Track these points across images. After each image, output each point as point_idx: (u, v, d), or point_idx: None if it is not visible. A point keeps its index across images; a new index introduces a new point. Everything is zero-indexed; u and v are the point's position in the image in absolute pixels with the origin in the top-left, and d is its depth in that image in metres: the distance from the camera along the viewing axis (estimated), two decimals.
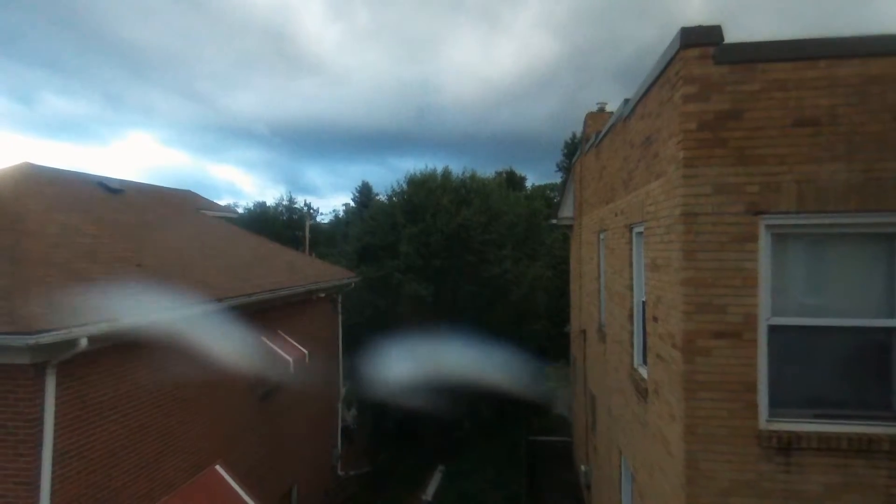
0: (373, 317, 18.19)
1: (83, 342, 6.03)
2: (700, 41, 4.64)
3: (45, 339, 5.56)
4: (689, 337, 4.66)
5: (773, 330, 4.68)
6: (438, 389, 17.34)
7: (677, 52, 4.75)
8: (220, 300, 8.77)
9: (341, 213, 50.25)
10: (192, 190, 16.35)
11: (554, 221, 17.48)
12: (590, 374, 11.65)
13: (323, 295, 13.92)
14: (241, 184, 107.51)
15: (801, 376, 4.75)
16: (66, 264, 7.23)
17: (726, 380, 4.66)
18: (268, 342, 10.80)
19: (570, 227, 15.66)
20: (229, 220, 16.97)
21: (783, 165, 4.57)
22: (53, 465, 6.05)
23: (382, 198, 25.92)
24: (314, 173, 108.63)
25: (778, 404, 4.69)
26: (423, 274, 18.11)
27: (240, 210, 41.30)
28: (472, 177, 21.19)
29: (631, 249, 7.00)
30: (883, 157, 4.44)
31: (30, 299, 6.04)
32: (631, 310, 6.97)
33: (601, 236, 9.70)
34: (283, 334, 11.54)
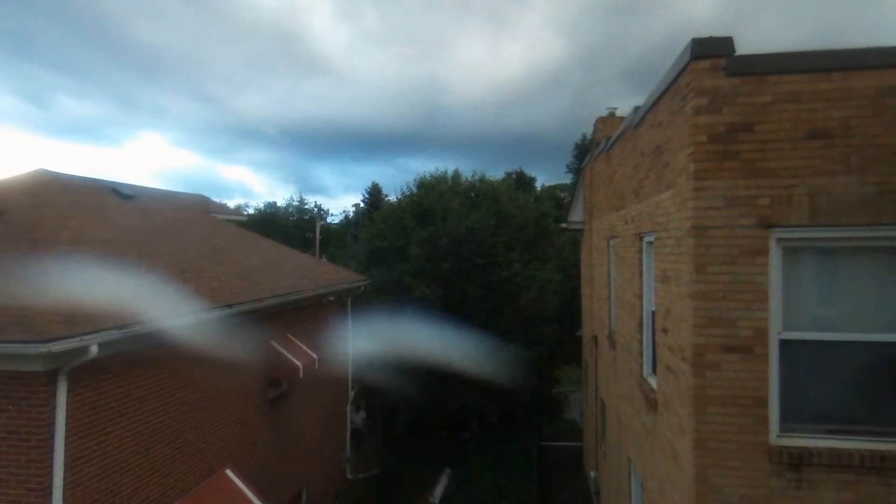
0: (383, 319, 18.23)
1: (94, 349, 6.10)
2: (711, 52, 4.59)
3: (57, 346, 5.64)
4: (698, 351, 4.62)
5: (784, 344, 4.61)
6: (447, 392, 17.35)
7: (688, 64, 4.70)
8: (230, 306, 8.83)
9: (351, 214, 50.51)
10: (203, 192, 16.57)
11: (564, 225, 17.42)
12: (601, 380, 11.59)
13: (332, 298, 13.97)
14: (252, 184, 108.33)
15: (813, 391, 4.68)
16: (79, 271, 7.31)
17: (737, 394, 4.61)
18: (278, 347, 10.87)
19: (580, 230, 15.58)
20: (239, 223, 17.11)
21: (795, 178, 4.51)
22: (66, 470, 6.13)
23: (392, 199, 26.00)
24: (324, 174, 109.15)
25: (789, 419, 4.63)
26: (432, 277, 18.13)
27: (250, 211, 41.66)
28: (482, 179, 21.18)
29: (641, 258, 6.95)
30: None
31: (42, 307, 6.12)
32: (640, 319, 6.92)
33: (611, 243, 9.64)
34: (293, 338, 11.60)
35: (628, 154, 7.69)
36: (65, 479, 6.12)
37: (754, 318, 4.58)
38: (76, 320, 6.15)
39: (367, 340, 16.80)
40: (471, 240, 18.36)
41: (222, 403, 9.29)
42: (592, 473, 12.33)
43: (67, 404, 6.14)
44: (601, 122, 13.19)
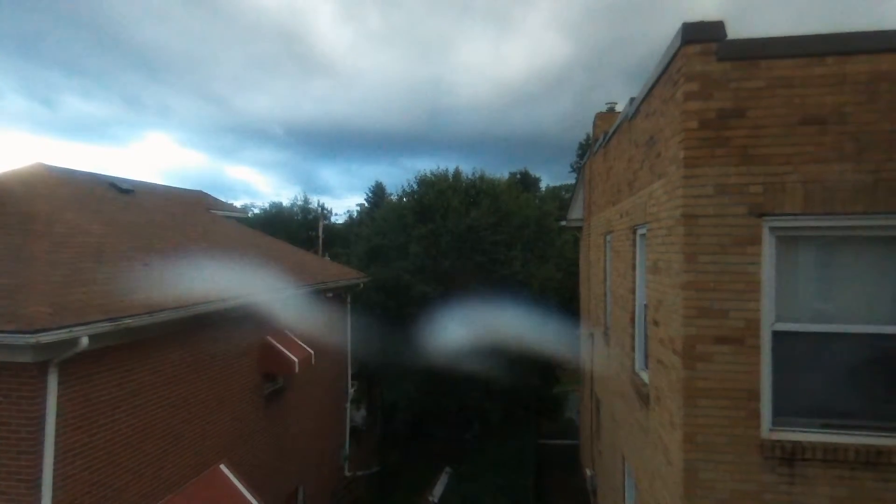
0: (382, 317, 18.20)
1: (84, 341, 6.07)
2: (702, 37, 4.50)
3: (46, 337, 5.61)
4: (689, 342, 4.53)
5: (777, 336, 4.51)
6: (448, 390, 17.28)
7: (679, 49, 4.62)
8: (225, 300, 8.80)
9: (355, 214, 50.48)
10: (208, 191, 16.55)
11: (563, 223, 17.32)
12: (596, 377, 11.48)
13: (331, 295, 13.93)
14: (257, 184, 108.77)
15: (807, 384, 4.58)
16: (71, 263, 7.30)
17: (728, 387, 4.51)
18: (274, 342, 10.83)
19: (579, 228, 15.48)
20: (241, 220, 17.11)
21: (788, 165, 4.41)
22: (56, 463, 6.10)
23: (394, 198, 25.96)
24: (328, 174, 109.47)
25: (782, 413, 4.52)
26: (432, 274, 18.07)
27: (256, 210, 41.71)
28: (482, 177, 21.10)
29: (634, 251, 6.86)
30: (893, 157, 4.26)
31: (32, 298, 6.10)
32: (633, 313, 6.82)
33: (607, 238, 9.54)
34: (290, 334, 11.56)
35: (624, 147, 7.60)
36: (55, 471, 6.09)
37: (746, 308, 4.48)
38: (67, 312, 6.12)
39: (366, 338, 16.76)
40: (471, 237, 18.29)
41: (216, 398, 9.26)
42: (589, 472, 12.23)
43: (58, 396, 6.11)
44: (600, 117, 13.09)
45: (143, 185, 12.99)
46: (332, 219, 49.59)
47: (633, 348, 6.80)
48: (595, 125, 13.25)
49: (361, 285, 16.03)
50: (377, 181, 49.23)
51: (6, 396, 5.99)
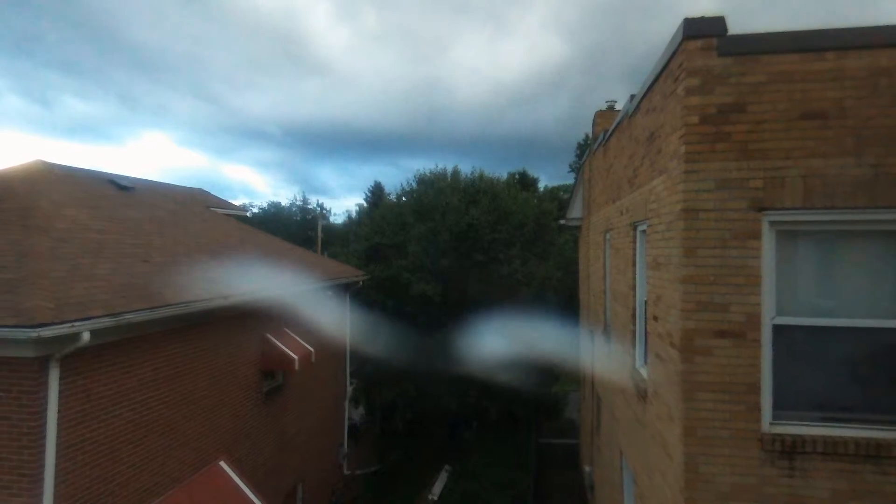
0: (381, 316, 18.21)
1: (86, 336, 6.08)
2: (703, 32, 4.52)
3: (47, 332, 5.62)
4: (687, 336, 4.55)
5: (777, 330, 4.54)
6: (447, 389, 17.29)
7: (680, 44, 4.64)
8: (225, 297, 8.81)
9: (354, 214, 50.48)
10: (207, 189, 16.53)
11: (563, 222, 17.34)
12: (596, 375, 11.51)
13: (331, 293, 13.94)
14: (255, 184, 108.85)
15: (807, 378, 4.60)
16: (72, 259, 7.30)
17: (728, 380, 4.53)
18: (274, 340, 10.84)
19: (579, 227, 15.51)
20: (241, 218, 17.10)
21: (788, 160, 4.43)
22: (57, 457, 6.11)
23: (392, 197, 25.97)
24: (326, 174, 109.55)
25: (782, 406, 4.55)
26: (431, 273, 18.08)
27: (255, 209, 41.71)
28: (481, 176, 21.13)
29: (635, 248, 6.88)
30: (893, 151, 4.28)
31: (34, 293, 6.11)
32: (633, 309, 6.84)
33: (607, 236, 9.57)
34: (289, 332, 11.57)
35: (624, 144, 7.63)
36: (56, 465, 6.10)
37: (746, 302, 4.50)
38: (68, 307, 6.13)
39: (366, 336, 16.77)
40: (470, 236, 18.31)
41: (216, 395, 9.26)
42: (587, 468, 12.25)
43: (59, 391, 6.12)
44: (600, 115, 13.11)
45: (143, 182, 12.99)
46: (331, 219, 49.61)
47: (633, 345, 6.82)
48: (595, 123, 13.28)
49: (361, 283, 16.04)
50: (376, 181, 49.23)
51: (8, 391, 6.00)
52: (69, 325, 5.88)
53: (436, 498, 14.68)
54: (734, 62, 4.46)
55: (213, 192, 16.53)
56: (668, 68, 5.07)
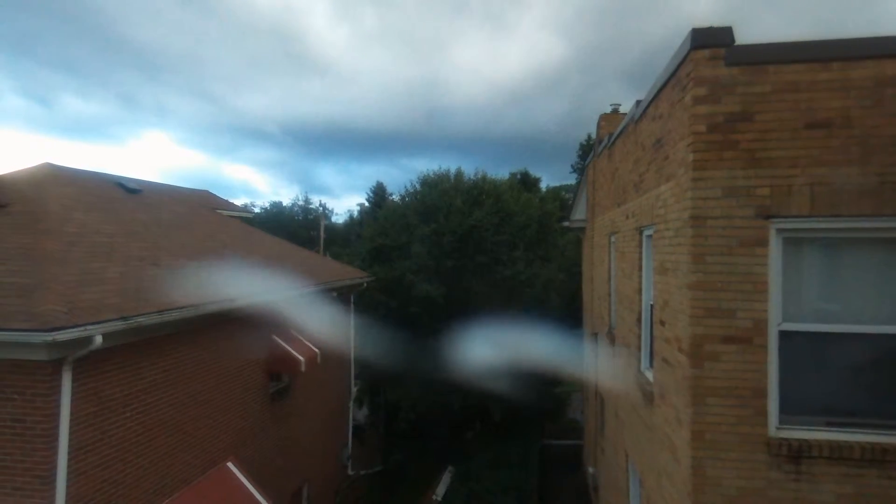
0: (385, 317, 18.28)
1: (98, 339, 6.15)
2: (711, 42, 4.59)
3: (62, 336, 5.70)
4: (696, 341, 4.61)
5: (784, 336, 4.60)
6: (450, 390, 17.36)
7: (688, 54, 4.70)
8: (233, 299, 8.88)
9: (355, 214, 50.61)
10: (209, 189, 16.62)
11: (566, 224, 17.39)
12: (600, 376, 11.57)
13: (336, 295, 14.02)
14: (256, 183, 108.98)
15: (813, 383, 4.67)
16: (83, 262, 7.38)
17: (735, 385, 4.59)
18: (280, 341, 10.92)
19: (582, 229, 15.56)
20: (244, 219, 17.19)
21: (795, 168, 4.50)
22: (69, 459, 6.18)
23: (396, 198, 26.06)
24: (327, 173, 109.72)
25: (789, 411, 4.61)
26: (435, 274, 18.14)
27: (256, 210, 41.83)
28: (484, 177, 21.18)
29: (641, 252, 6.94)
30: None
31: (47, 297, 6.19)
32: (639, 313, 6.90)
33: (612, 239, 9.63)
34: (295, 333, 11.65)
35: (630, 149, 7.69)
36: (68, 467, 6.18)
37: (753, 308, 4.56)
38: (81, 311, 6.20)
39: (369, 337, 16.84)
40: (473, 238, 18.36)
41: (224, 396, 9.34)
42: (591, 469, 12.32)
43: (72, 394, 6.20)
44: (604, 118, 13.16)
45: (149, 184, 13.07)
46: (333, 219, 49.71)
47: (638, 348, 6.89)
48: (599, 126, 13.33)
49: (365, 285, 16.11)
50: (378, 181, 49.36)
51: (21, 394, 6.07)
52: (82, 328, 5.96)
53: (440, 499, 14.75)
54: (741, 72, 4.53)
55: (214, 192, 16.64)
56: (675, 76, 5.13)
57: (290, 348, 10.88)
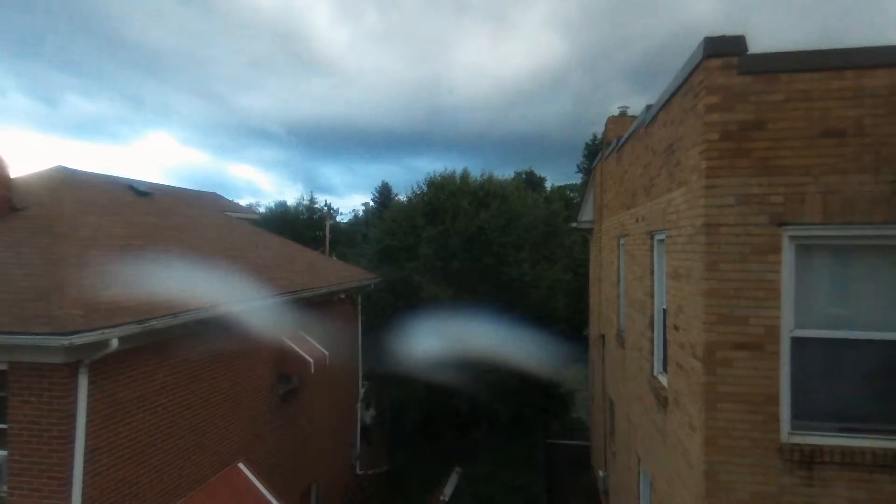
0: (392, 317, 18.35)
1: (115, 343, 6.24)
2: (724, 51, 4.62)
3: (79, 339, 5.77)
4: (710, 348, 4.65)
5: (796, 342, 4.63)
6: (456, 390, 17.42)
7: (700, 62, 4.73)
8: (244, 302, 8.96)
9: (360, 213, 50.75)
10: (214, 189, 16.73)
11: (574, 225, 17.42)
12: (608, 378, 11.60)
13: (343, 296, 14.08)
14: (260, 183, 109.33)
15: (825, 389, 4.69)
16: (98, 266, 7.47)
17: (748, 391, 4.63)
18: (290, 343, 10.99)
19: (589, 230, 15.59)
20: (251, 221, 17.28)
21: (808, 176, 4.52)
22: (85, 460, 6.26)
23: (402, 198, 26.14)
24: (331, 173, 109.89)
25: (801, 417, 4.64)
26: (442, 275, 18.21)
27: (261, 210, 41.96)
28: (490, 179, 21.23)
29: (652, 256, 6.97)
30: None
31: (64, 301, 6.27)
32: (651, 317, 6.94)
33: (621, 241, 9.65)
34: (304, 335, 11.72)
35: (640, 152, 7.71)
36: (84, 468, 6.26)
37: (766, 315, 4.60)
38: (97, 314, 6.28)
39: (376, 338, 16.90)
40: (480, 239, 18.42)
41: (234, 398, 9.42)
42: (601, 473, 12.34)
43: (88, 396, 6.28)
44: (612, 121, 13.19)
45: (159, 187, 13.17)
46: (337, 218, 49.81)
47: (651, 352, 6.92)
48: (606, 129, 13.36)
49: (372, 286, 16.17)
50: (384, 181, 49.46)
51: (38, 396, 6.16)
52: (99, 332, 6.04)
53: (447, 500, 14.80)
54: (754, 80, 4.56)
55: (219, 192, 16.75)
56: (687, 83, 5.16)
57: (299, 350, 10.95)
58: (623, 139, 9.30)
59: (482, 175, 21.50)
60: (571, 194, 40.10)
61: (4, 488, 6.25)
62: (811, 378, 4.66)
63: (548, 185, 46.80)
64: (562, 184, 47.03)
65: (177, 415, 7.89)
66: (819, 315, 4.69)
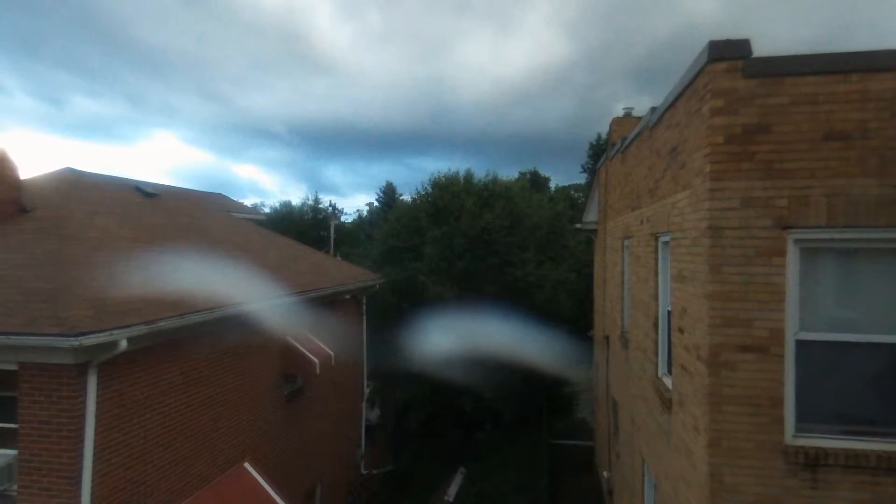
0: (397, 318, 18.40)
1: (124, 343, 6.31)
2: (728, 54, 4.63)
3: (88, 340, 5.85)
4: (714, 350, 4.66)
5: (800, 345, 4.64)
6: (460, 390, 17.45)
7: (705, 65, 4.75)
8: (250, 302, 9.02)
9: (364, 213, 50.83)
10: (218, 189, 16.84)
11: (578, 226, 17.42)
12: (612, 379, 11.61)
13: (348, 296, 14.14)
14: (264, 183, 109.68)
15: (830, 392, 4.70)
16: (106, 267, 7.54)
17: (752, 394, 4.64)
18: (295, 343, 11.05)
19: (594, 231, 15.59)
20: (256, 222, 17.37)
21: (812, 179, 4.53)
22: (94, 460, 6.35)
23: (406, 199, 26.20)
24: (334, 172, 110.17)
25: (805, 419, 4.65)
26: (446, 276, 18.25)
27: (266, 210, 42.08)
28: (495, 179, 21.25)
29: (657, 258, 6.98)
30: None
31: (73, 302, 6.34)
32: (656, 319, 6.95)
33: (626, 243, 9.66)
34: (310, 335, 11.78)
35: (644, 154, 7.72)
36: (94, 468, 6.33)
37: (770, 318, 4.61)
38: (106, 315, 6.36)
39: (381, 338, 16.96)
40: (485, 240, 18.45)
41: (240, 398, 9.49)
42: (605, 474, 12.35)
43: (97, 396, 6.35)
44: (617, 122, 13.19)
45: (165, 188, 13.26)
46: (342, 218, 49.88)
47: (655, 353, 6.94)
48: (611, 130, 13.36)
49: (377, 286, 16.23)
50: (388, 181, 49.49)
51: (48, 396, 6.24)
52: (108, 333, 6.11)
53: (451, 500, 14.84)
54: (759, 84, 4.57)
55: (223, 192, 16.84)
56: (692, 86, 5.17)
57: (304, 350, 11.01)
58: (628, 140, 9.30)
59: (486, 175, 21.54)
60: (576, 194, 40.07)
61: (15, 487, 6.33)
62: (816, 381, 4.67)
63: (552, 184, 46.79)
64: (566, 184, 47.03)
65: (184, 415, 7.96)
66: (824, 318, 4.70)
